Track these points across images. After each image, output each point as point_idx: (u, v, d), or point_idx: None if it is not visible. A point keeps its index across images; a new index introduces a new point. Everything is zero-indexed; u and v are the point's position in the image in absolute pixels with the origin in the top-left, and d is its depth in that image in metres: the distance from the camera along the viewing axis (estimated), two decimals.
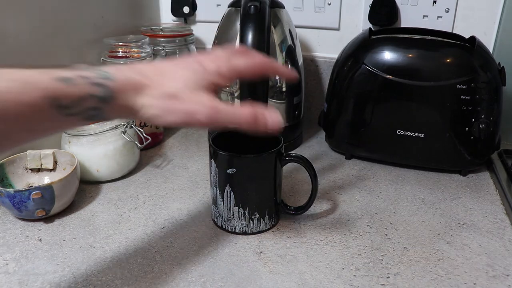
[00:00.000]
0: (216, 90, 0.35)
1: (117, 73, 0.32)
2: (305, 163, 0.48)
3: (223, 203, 0.48)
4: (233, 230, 0.48)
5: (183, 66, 0.35)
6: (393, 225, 0.51)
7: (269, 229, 0.50)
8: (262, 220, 0.48)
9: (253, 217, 0.48)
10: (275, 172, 0.48)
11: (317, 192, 0.49)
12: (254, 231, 0.49)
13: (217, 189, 0.47)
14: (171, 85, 0.33)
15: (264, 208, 0.48)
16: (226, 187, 0.46)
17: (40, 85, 0.27)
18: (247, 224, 0.48)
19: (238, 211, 0.47)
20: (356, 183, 0.61)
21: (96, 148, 0.58)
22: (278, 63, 0.39)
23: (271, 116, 0.34)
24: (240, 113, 0.34)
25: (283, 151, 0.48)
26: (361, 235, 0.48)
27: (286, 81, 0.42)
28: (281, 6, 0.69)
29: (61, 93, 0.28)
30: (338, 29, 0.80)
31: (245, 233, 0.48)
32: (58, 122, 0.29)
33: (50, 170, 0.57)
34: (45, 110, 0.28)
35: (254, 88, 0.62)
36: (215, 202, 0.49)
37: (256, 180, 0.46)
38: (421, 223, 0.51)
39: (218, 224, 0.50)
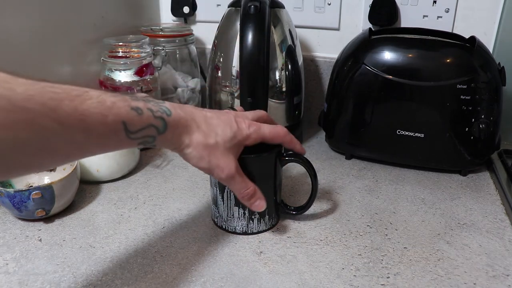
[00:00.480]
0: (241, 148, 0.43)
1: (173, 110, 0.38)
2: (305, 163, 0.48)
3: (223, 203, 0.48)
4: (233, 230, 0.48)
5: (225, 122, 0.42)
6: (393, 225, 0.51)
7: (269, 229, 0.50)
8: (262, 220, 0.48)
9: (253, 217, 0.48)
10: (275, 172, 0.48)
11: (317, 192, 0.49)
12: (254, 231, 0.48)
13: (217, 189, 0.47)
14: (212, 138, 0.40)
15: (265, 208, 0.48)
16: (226, 187, 0.46)
17: (119, 111, 0.33)
18: (247, 224, 0.48)
19: (238, 211, 0.47)
20: (356, 183, 0.61)
21: None
22: (293, 137, 0.48)
23: (260, 203, 0.44)
24: (245, 187, 0.43)
25: (283, 151, 0.48)
26: (361, 235, 0.48)
27: (294, 151, 0.49)
28: (281, 6, 0.69)
29: (132, 120, 0.34)
30: (338, 29, 0.80)
31: (245, 233, 0.48)
32: (121, 142, 0.35)
33: (50, 170, 0.57)
34: (117, 132, 0.33)
35: (254, 88, 0.63)
36: (215, 202, 0.49)
37: (256, 180, 0.45)
38: (421, 223, 0.51)
39: (218, 224, 0.50)
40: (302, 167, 0.48)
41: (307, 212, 0.51)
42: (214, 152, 0.41)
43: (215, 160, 0.41)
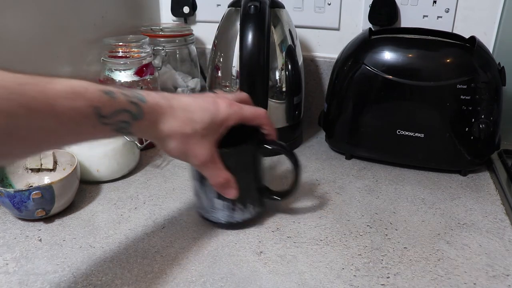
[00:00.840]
0: (222, 129, 0.42)
1: (149, 97, 0.38)
2: (285, 150, 0.47)
3: (205, 196, 0.47)
4: (218, 221, 0.48)
5: (203, 107, 0.41)
6: (393, 225, 0.51)
7: (254, 217, 0.49)
8: (246, 210, 0.48)
9: (236, 207, 0.47)
10: (255, 162, 0.47)
11: (301, 178, 0.48)
12: (239, 220, 0.48)
13: (198, 182, 0.47)
14: (189, 126, 0.40)
15: (246, 198, 0.47)
16: (207, 180, 0.45)
17: (90, 95, 0.32)
18: (231, 215, 0.48)
19: (220, 202, 0.47)
20: (356, 183, 0.61)
21: (96, 148, 0.58)
22: (271, 121, 0.48)
23: (232, 191, 0.45)
24: (218, 175, 0.43)
25: (262, 139, 0.47)
26: (361, 235, 0.48)
27: (266, 136, 0.48)
28: (281, 6, 0.69)
29: (104, 104, 0.33)
30: (338, 29, 0.80)
31: (230, 223, 0.48)
32: (95, 129, 0.34)
33: (50, 170, 0.57)
34: (89, 117, 0.32)
35: (254, 89, 0.63)
36: (197, 194, 0.49)
37: (237, 171, 0.45)
38: (421, 223, 0.51)
39: (203, 216, 0.49)
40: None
41: (307, 212, 0.51)
42: (191, 140, 0.40)
43: (191, 149, 0.40)
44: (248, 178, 0.48)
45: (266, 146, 0.47)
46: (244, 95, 0.48)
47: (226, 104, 0.42)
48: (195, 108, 0.41)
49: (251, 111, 0.45)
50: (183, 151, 0.40)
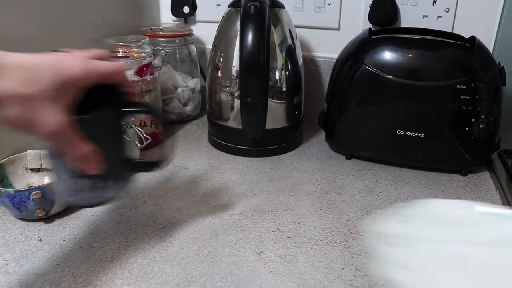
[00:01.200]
0: (74, 92, 0.35)
1: None
2: (152, 110, 0.42)
3: (65, 176, 0.40)
4: (85, 204, 0.43)
5: (47, 65, 0.33)
6: None
7: (122, 195, 0.44)
8: (115, 186, 0.42)
9: (103, 184, 0.40)
10: (119, 129, 0.42)
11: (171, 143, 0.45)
12: (105, 200, 0.42)
13: (54, 159, 0.39)
14: (27, 87, 0.32)
15: (113, 172, 0.41)
16: (64, 156, 0.37)
17: None
18: (99, 194, 0.41)
19: (83, 181, 0.39)
20: (356, 183, 0.61)
21: None
22: (127, 75, 0.40)
23: (95, 165, 0.37)
24: (76, 148, 0.35)
25: (125, 102, 0.41)
26: (361, 235, 0.48)
27: (128, 95, 0.41)
28: (281, 6, 0.69)
29: None
30: (338, 29, 0.80)
31: (98, 204, 0.43)
32: None
33: (50, 170, 0.57)
34: None
35: (254, 89, 0.63)
36: (55, 176, 0.41)
37: (99, 141, 0.37)
38: None
39: (67, 202, 0.44)
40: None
41: (307, 212, 0.51)
42: (34, 105, 0.32)
43: (35, 115, 0.32)
44: (112, 148, 0.41)
45: (130, 109, 0.41)
46: (100, 52, 0.40)
47: (79, 61, 0.35)
48: (38, 66, 0.33)
49: (108, 66, 0.37)
50: (26, 118, 0.32)
